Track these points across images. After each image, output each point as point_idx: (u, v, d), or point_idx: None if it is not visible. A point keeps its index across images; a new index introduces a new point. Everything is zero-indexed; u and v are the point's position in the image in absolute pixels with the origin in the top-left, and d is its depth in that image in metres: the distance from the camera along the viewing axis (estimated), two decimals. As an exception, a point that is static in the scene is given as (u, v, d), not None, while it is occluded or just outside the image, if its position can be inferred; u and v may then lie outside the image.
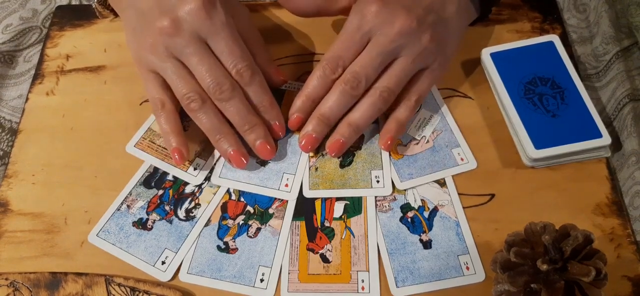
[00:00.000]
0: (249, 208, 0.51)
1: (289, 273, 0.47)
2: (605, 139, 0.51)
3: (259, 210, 0.51)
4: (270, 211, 0.50)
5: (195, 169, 0.53)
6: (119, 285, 0.46)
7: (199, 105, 0.49)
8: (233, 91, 0.49)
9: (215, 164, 0.53)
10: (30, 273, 0.47)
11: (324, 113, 0.51)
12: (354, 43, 0.50)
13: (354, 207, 0.50)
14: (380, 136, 0.52)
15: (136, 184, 0.52)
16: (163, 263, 0.48)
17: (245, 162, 0.51)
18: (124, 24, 0.54)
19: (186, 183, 0.52)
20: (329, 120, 0.51)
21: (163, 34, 0.48)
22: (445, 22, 0.53)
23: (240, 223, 0.50)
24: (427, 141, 0.54)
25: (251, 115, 0.50)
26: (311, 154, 0.53)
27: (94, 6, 0.61)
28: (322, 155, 0.53)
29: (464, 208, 0.50)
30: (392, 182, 0.51)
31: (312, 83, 0.51)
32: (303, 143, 0.52)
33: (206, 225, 0.50)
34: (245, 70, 0.49)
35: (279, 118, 0.52)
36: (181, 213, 0.50)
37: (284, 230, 0.49)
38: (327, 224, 0.50)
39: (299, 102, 0.52)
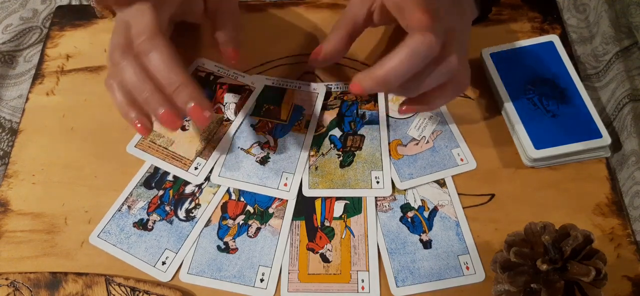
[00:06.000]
0: (249, 208, 0.51)
1: (289, 273, 0.47)
2: (605, 139, 0.51)
3: (259, 209, 0.51)
4: (270, 211, 0.50)
5: (196, 168, 0.53)
6: (119, 285, 0.46)
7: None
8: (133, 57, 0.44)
9: (215, 164, 0.53)
10: (31, 273, 0.47)
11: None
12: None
13: (354, 206, 0.50)
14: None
15: (137, 185, 0.52)
16: (163, 263, 0.48)
17: (179, 121, 0.45)
18: None
19: (186, 184, 0.52)
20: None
21: None
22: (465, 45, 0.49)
23: (240, 223, 0.50)
24: (427, 141, 0.54)
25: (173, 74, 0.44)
26: (312, 153, 0.53)
27: (93, 5, 0.60)
28: (322, 154, 0.53)
29: (463, 208, 0.50)
30: (392, 182, 0.51)
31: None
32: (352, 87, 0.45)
33: (206, 225, 0.50)
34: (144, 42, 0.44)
35: (196, 98, 0.44)
36: (181, 213, 0.50)
37: (284, 229, 0.49)
38: (327, 224, 0.50)
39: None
